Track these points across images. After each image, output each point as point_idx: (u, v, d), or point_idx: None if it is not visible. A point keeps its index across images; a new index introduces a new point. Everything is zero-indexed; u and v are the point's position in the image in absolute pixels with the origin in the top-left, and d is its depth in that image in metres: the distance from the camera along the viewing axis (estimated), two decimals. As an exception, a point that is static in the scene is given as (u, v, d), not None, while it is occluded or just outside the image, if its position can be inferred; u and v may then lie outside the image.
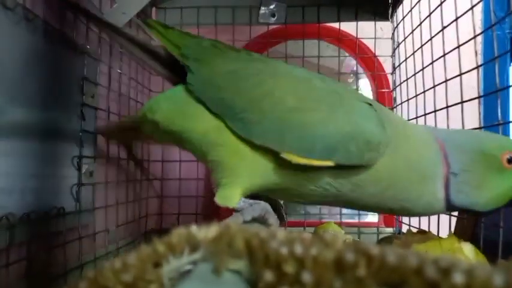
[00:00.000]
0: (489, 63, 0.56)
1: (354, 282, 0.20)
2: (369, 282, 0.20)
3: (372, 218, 0.99)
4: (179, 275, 0.24)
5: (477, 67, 0.58)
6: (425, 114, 0.74)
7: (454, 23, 0.63)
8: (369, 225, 0.97)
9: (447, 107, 0.65)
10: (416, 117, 0.80)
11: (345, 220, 0.96)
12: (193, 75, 0.51)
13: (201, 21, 0.97)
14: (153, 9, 0.99)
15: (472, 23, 0.59)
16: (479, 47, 0.59)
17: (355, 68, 1.05)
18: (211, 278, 0.23)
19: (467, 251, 0.50)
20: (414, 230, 0.58)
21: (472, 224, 0.61)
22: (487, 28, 0.56)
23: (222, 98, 0.48)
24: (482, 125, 0.57)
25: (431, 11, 0.72)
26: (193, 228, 0.25)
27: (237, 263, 0.23)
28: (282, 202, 0.64)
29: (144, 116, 0.56)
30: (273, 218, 0.49)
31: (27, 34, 0.54)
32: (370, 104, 0.47)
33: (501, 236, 0.53)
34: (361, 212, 0.97)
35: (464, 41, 0.61)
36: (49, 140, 0.60)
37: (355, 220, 0.96)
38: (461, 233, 0.63)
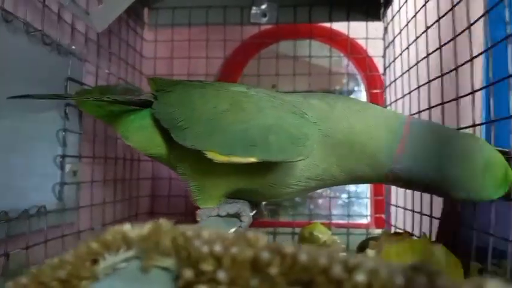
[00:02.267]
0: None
1: (267, 280, 0.21)
2: (279, 281, 0.20)
3: (362, 219, 0.99)
4: (115, 272, 0.25)
5: (471, 60, 0.57)
6: (418, 112, 0.73)
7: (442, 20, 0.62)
8: (358, 226, 0.96)
9: (429, 108, 0.65)
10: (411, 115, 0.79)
11: (334, 221, 0.96)
12: (158, 101, 0.55)
13: (193, 21, 0.98)
14: (146, 10, 1.00)
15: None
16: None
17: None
18: (137, 275, 0.23)
19: (439, 253, 0.49)
20: (390, 232, 0.58)
21: (452, 228, 0.61)
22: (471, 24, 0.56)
23: (170, 112, 0.51)
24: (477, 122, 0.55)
25: (418, 11, 0.71)
26: (127, 226, 0.26)
27: (165, 260, 0.24)
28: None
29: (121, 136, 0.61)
30: (246, 217, 0.50)
31: (8, 35, 0.55)
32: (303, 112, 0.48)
33: (474, 238, 0.52)
34: (350, 214, 0.97)
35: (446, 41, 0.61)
36: (31, 139, 0.60)
37: (345, 221, 0.96)
38: (442, 236, 0.63)
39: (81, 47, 0.72)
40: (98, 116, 0.64)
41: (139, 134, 0.56)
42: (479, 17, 0.53)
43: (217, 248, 0.22)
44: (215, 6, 0.98)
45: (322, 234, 0.81)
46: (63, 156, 0.66)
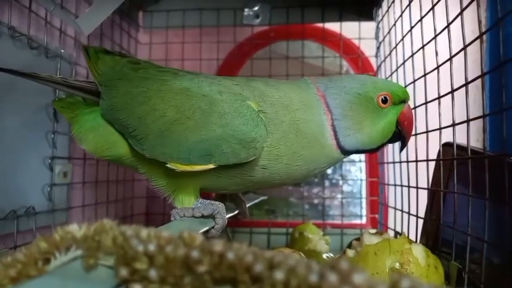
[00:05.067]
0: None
1: (197, 278, 0.21)
2: (206, 278, 0.21)
3: (357, 219, 0.99)
4: (55, 270, 0.25)
5: (452, 57, 0.57)
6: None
7: (430, 19, 0.61)
8: (353, 226, 0.96)
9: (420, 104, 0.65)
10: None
11: (328, 221, 0.96)
12: (103, 100, 0.54)
13: (187, 23, 0.99)
14: (140, 13, 1.01)
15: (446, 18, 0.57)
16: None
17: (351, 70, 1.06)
18: (79, 273, 0.24)
19: (417, 252, 0.49)
20: (372, 231, 0.57)
21: (435, 228, 0.61)
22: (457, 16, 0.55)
23: (120, 118, 0.52)
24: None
25: (410, 11, 0.70)
26: (74, 226, 0.26)
27: (109, 259, 0.24)
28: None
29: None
30: (220, 219, 0.50)
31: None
32: (245, 100, 0.48)
33: (454, 238, 0.52)
34: (345, 214, 0.97)
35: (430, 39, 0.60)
36: (21, 141, 0.62)
37: (339, 221, 0.96)
38: (426, 236, 0.63)
39: (71, 50, 0.73)
40: (68, 117, 0.61)
41: (93, 135, 0.55)
42: (456, 17, 0.53)
43: (151, 247, 0.22)
44: (208, 8, 0.98)
45: (313, 234, 0.81)
46: (53, 158, 0.67)
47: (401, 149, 0.59)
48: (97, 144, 0.55)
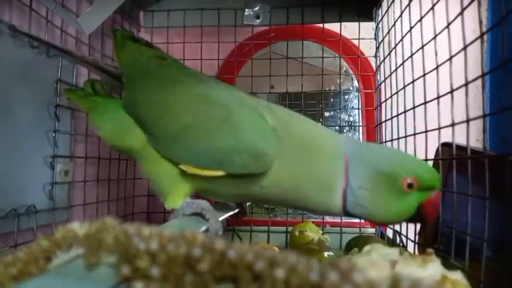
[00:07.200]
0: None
1: (198, 276, 0.21)
2: (207, 277, 0.21)
3: (356, 218, 0.98)
4: (55, 269, 0.25)
5: (453, 57, 0.57)
6: (405, 112, 0.73)
7: (430, 19, 0.61)
8: (352, 225, 0.96)
9: (421, 104, 0.65)
10: (397, 115, 0.78)
11: (328, 219, 0.96)
12: (126, 94, 0.57)
13: (187, 23, 0.99)
14: (141, 12, 1.01)
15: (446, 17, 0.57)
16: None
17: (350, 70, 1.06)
18: (81, 272, 0.24)
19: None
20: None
21: (433, 227, 0.61)
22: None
23: (139, 113, 0.54)
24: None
25: (410, 11, 0.71)
26: (76, 224, 0.26)
27: (110, 257, 0.25)
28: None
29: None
30: (209, 214, 0.51)
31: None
32: (262, 116, 0.49)
33: (454, 237, 0.52)
34: (344, 213, 0.97)
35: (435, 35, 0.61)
36: (22, 139, 0.62)
37: (338, 220, 0.96)
38: (424, 237, 0.63)
39: (72, 49, 0.73)
40: (83, 105, 0.63)
41: (110, 125, 0.58)
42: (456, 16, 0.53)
43: (153, 245, 0.22)
44: (209, 8, 0.98)
45: (313, 232, 0.81)
46: (54, 157, 0.67)
47: (419, 233, 0.60)
48: (112, 133, 0.57)
